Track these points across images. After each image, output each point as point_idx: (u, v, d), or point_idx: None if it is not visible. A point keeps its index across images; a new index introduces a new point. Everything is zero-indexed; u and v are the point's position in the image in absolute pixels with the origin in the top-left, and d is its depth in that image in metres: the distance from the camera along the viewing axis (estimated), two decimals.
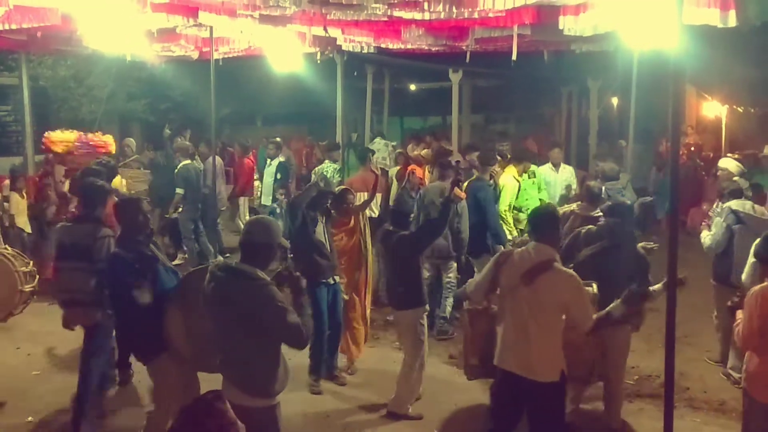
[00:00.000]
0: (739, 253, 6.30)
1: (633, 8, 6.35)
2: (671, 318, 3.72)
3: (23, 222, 9.26)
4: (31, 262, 6.46)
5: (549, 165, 9.59)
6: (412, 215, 6.71)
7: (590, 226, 5.85)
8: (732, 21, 6.03)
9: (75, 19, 7.55)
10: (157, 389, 4.75)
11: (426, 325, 5.86)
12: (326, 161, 10.31)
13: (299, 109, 21.94)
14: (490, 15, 6.89)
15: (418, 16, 6.99)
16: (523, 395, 4.35)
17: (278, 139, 12.60)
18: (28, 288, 6.21)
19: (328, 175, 9.71)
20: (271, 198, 10.93)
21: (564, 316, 4.30)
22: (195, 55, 10.70)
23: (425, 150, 11.95)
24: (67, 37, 9.28)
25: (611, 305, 4.55)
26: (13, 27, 7.33)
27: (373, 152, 10.46)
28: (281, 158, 11.40)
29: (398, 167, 11.17)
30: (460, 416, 5.85)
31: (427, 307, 6.04)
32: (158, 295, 4.53)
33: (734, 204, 6.60)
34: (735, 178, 7.58)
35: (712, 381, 6.46)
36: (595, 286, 4.87)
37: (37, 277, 6.42)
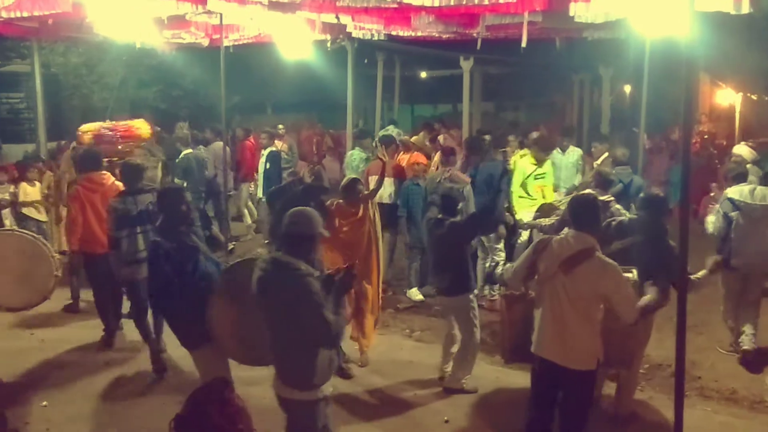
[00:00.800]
0: (737, 238, 6.51)
1: None
2: (682, 307, 3.71)
3: (32, 212, 9.17)
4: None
5: (556, 148, 9.55)
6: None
7: (622, 218, 5.84)
8: (745, 8, 5.94)
9: (86, 6, 7.55)
10: (204, 377, 4.62)
11: (477, 307, 5.99)
12: (356, 149, 10.15)
13: (309, 97, 21.94)
14: (501, 2, 6.83)
15: (428, 2, 6.93)
16: (558, 382, 4.40)
17: (281, 126, 12.63)
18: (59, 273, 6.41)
19: (355, 164, 9.70)
20: (262, 189, 10.89)
21: (602, 306, 4.31)
22: (205, 42, 10.71)
23: (415, 137, 11.81)
24: (78, 24, 9.30)
25: (647, 296, 4.59)
26: (25, 14, 7.34)
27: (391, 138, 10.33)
28: (273, 148, 11.31)
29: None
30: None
31: (476, 291, 6.22)
32: (200, 285, 4.52)
33: (731, 191, 6.69)
34: (748, 165, 7.61)
35: (723, 370, 6.43)
36: (635, 272, 4.88)
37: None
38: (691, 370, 6.13)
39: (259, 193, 11.26)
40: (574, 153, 9.62)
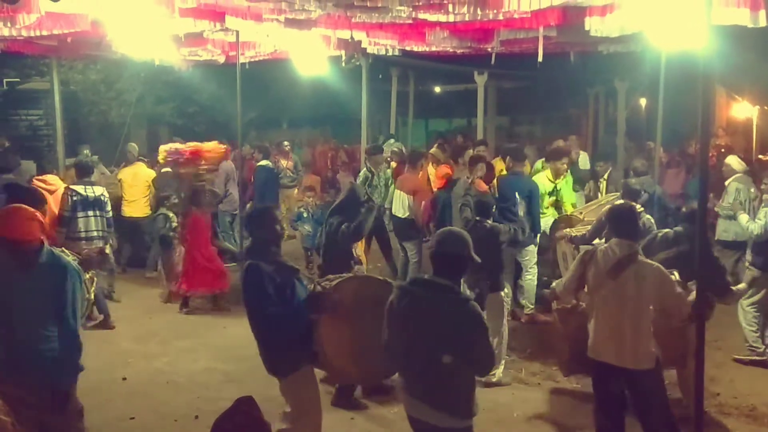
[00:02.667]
0: None
1: (660, 8, 6.27)
2: (701, 324, 3.68)
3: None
4: None
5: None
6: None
7: (667, 230, 6.15)
8: (762, 21, 5.93)
9: (104, 25, 7.66)
10: (299, 403, 4.46)
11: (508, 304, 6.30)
12: (364, 169, 10.10)
13: (324, 112, 22.08)
14: (516, 16, 6.85)
15: (442, 18, 6.98)
16: (623, 386, 4.57)
17: (286, 143, 12.66)
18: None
19: (358, 181, 9.74)
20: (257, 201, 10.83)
21: (652, 306, 4.47)
22: (221, 59, 10.80)
23: (433, 149, 11.83)
24: (97, 42, 9.42)
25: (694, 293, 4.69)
26: (44, 33, 7.47)
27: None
28: (265, 162, 11.33)
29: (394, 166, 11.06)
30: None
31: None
32: (297, 308, 4.33)
33: None
34: (737, 176, 8.09)
35: (742, 386, 6.36)
36: (677, 273, 5.03)
37: None
38: (710, 386, 6.06)
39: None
40: (581, 156, 10.21)
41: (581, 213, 7.98)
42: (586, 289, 4.77)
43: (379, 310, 3.85)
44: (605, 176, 9.72)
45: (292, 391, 4.44)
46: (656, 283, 4.45)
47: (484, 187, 8.04)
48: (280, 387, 4.51)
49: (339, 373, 4.50)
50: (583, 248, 5.39)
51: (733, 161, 8.42)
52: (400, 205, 8.92)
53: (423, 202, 8.65)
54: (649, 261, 4.59)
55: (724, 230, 8.05)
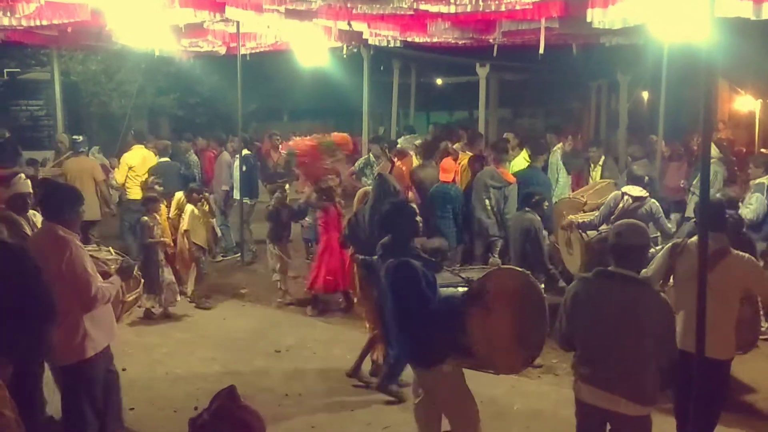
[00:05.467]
0: None
1: (663, 0, 6.24)
2: (701, 312, 3.67)
3: None
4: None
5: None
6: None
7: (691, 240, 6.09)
8: (766, 13, 5.90)
9: (104, 15, 7.64)
10: (450, 396, 4.41)
11: None
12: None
13: (325, 104, 22.03)
14: (518, 8, 6.83)
15: (444, 9, 6.95)
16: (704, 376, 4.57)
17: (277, 137, 12.46)
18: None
19: (357, 164, 9.75)
20: (239, 192, 10.64)
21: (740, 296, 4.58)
22: (222, 50, 10.78)
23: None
24: (97, 32, 9.41)
25: None
26: (44, 23, 7.45)
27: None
28: (245, 151, 10.98)
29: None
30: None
31: None
32: (445, 301, 4.30)
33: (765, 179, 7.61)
34: (712, 161, 8.21)
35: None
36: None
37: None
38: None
39: (236, 194, 10.83)
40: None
41: (583, 196, 8.02)
42: (673, 280, 4.82)
43: (522, 301, 4.21)
44: (600, 162, 9.83)
45: (441, 382, 4.39)
46: (751, 273, 4.57)
47: (511, 177, 8.08)
48: (424, 381, 4.47)
49: (484, 363, 4.48)
50: (673, 241, 5.32)
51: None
52: None
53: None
54: (741, 254, 4.63)
55: None
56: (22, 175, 5.76)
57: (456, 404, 4.40)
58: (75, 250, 4.32)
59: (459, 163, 9.03)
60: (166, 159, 10.19)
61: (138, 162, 10.09)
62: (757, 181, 8.10)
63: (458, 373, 4.40)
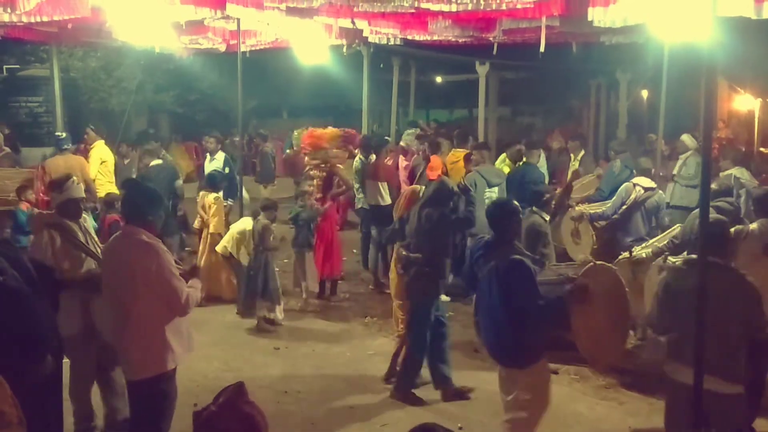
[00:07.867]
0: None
1: None
2: (702, 305, 3.67)
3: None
4: None
5: None
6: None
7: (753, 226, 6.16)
8: (767, 13, 5.89)
9: (105, 12, 7.62)
10: (536, 390, 4.49)
11: None
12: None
13: (325, 102, 22.04)
14: (518, 6, 6.81)
15: (445, 7, 6.93)
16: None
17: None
18: None
19: (353, 166, 9.71)
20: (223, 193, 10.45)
21: None
22: (222, 47, 10.75)
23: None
24: (97, 29, 9.38)
25: None
26: (44, 19, 7.42)
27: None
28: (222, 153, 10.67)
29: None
30: None
31: None
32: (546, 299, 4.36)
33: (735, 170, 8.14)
34: (689, 153, 9.17)
35: None
36: None
37: None
38: None
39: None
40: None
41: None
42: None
43: (615, 294, 4.41)
44: (579, 157, 10.22)
45: (531, 380, 4.46)
46: None
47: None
48: (510, 378, 4.50)
49: (586, 358, 4.68)
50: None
51: (686, 139, 9.58)
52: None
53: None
54: None
55: (681, 197, 8.82)
56: (75, 179, 5.20)
57: (537, 402, 4.48)
58: (162, 256, 4.11)
59: (449, 161, 9.13)
60: (158, 161, 9.87)
61: (109, 156, 10.00)
62: (727, 172, 8.44)
63: (546, 369, 4.57)
